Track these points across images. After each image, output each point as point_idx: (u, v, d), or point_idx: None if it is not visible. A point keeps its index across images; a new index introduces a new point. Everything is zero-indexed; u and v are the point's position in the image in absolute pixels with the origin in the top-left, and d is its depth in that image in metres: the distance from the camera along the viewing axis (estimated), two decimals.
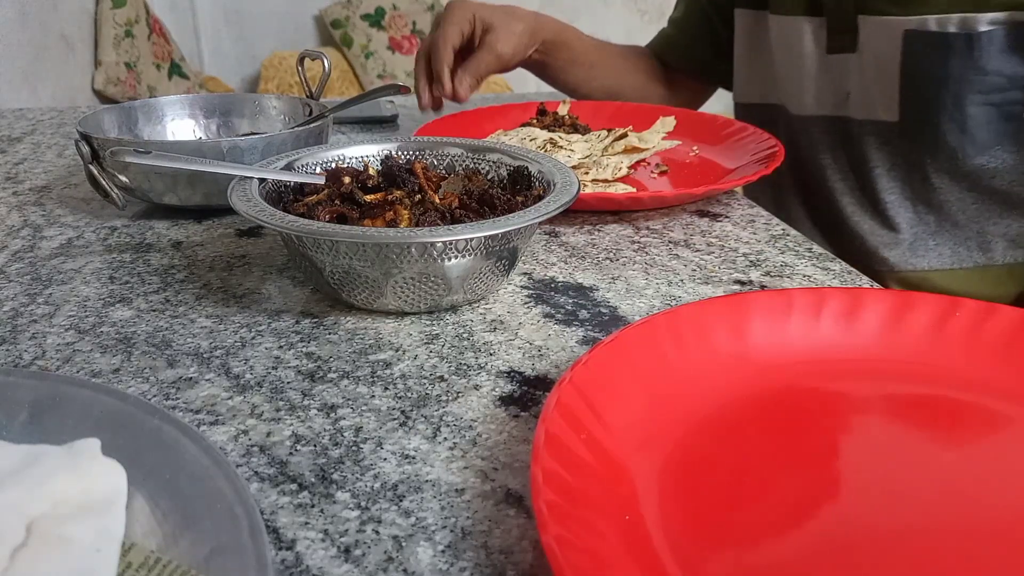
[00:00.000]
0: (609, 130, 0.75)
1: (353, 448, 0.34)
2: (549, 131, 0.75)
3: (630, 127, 0.76)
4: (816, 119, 0.86)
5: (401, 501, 0.31)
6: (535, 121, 0.80)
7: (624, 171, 0.69)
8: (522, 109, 0.86)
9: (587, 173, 0.68)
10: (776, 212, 0.70)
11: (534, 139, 0.72)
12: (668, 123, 0.81)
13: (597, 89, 0.97)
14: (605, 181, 0.67)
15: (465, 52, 0.85)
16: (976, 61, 0.73)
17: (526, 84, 1.01)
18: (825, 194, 0.88)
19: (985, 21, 0.71)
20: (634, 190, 0.65)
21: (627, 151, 0.73)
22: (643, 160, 0.74)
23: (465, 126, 0.81)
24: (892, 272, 0.83)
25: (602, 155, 0.71)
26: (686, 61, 1.03)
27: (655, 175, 0.72)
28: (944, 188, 0.79)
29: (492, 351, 0.42)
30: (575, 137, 0.74)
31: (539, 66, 0.94)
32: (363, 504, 0.31)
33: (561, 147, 0.71)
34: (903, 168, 0.81)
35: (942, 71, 0.75)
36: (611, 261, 0.54)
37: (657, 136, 0.76)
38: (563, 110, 0.84)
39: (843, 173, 0.86)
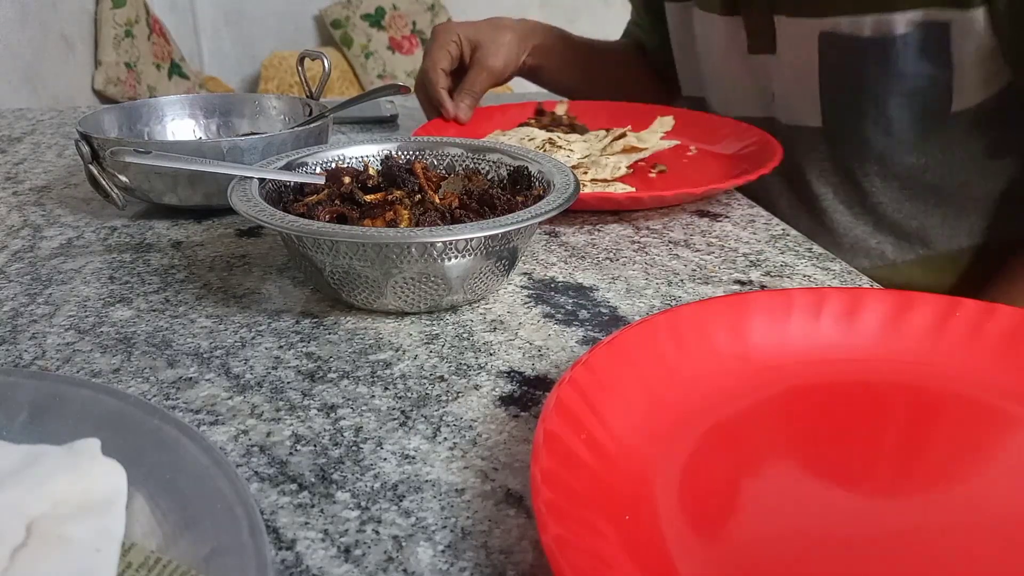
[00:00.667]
0: (608, 130, 0.75)
1: (353, 448, 0.34)
2: (547, 131, 0.75)
3: (628, 127, 0.76)
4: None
5: (401, 501, 0.31)
6: (533, 121, 0.80)
7: (623, 171, 0.69)
8: (520, 109, 0.86)
9: (586, 173, 0.68)
10: None
11: (532, 139, 0.72)
12: (666, 123, 0.81)
13: (594, 88, 0.97)
14: (604, 181, 0.67)
15: (459, 73, 0.85)
16: (894, 65, 0.70)
17: (526, 84, 1.01)
18: (763, 197, 0.86)
19: (900, 23, 0.68)
20: (633, 190, 0.65)
21: (626, 151, 0.73)
22: (642, 160, 0.74)
23: (463, 126, 0.81)
24: None
25: (601, 155, 0.71)
26: (655, 56, 1.03)
27: (654, 175, 0.72)
28: (877, 191, 0.78)
29: (492, 351, 0.42)
30: (574, 137, 0.74)
31: (533, 71, 0.94)
32: (363, 504, 0.31)
33: (560, 147, 0.71)
34: (833, 173, 0.80)
35: (860, 75, 0.73)
36: (611, 261, 0.54)
37: (655, 136, 0.76)
38: (561, 110, 0.84)
39: (776, 175, 0.84)
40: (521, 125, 0.79)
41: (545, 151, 0.70)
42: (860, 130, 0.75)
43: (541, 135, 0.73)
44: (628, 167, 0.70)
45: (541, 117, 0.81)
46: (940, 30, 0.68)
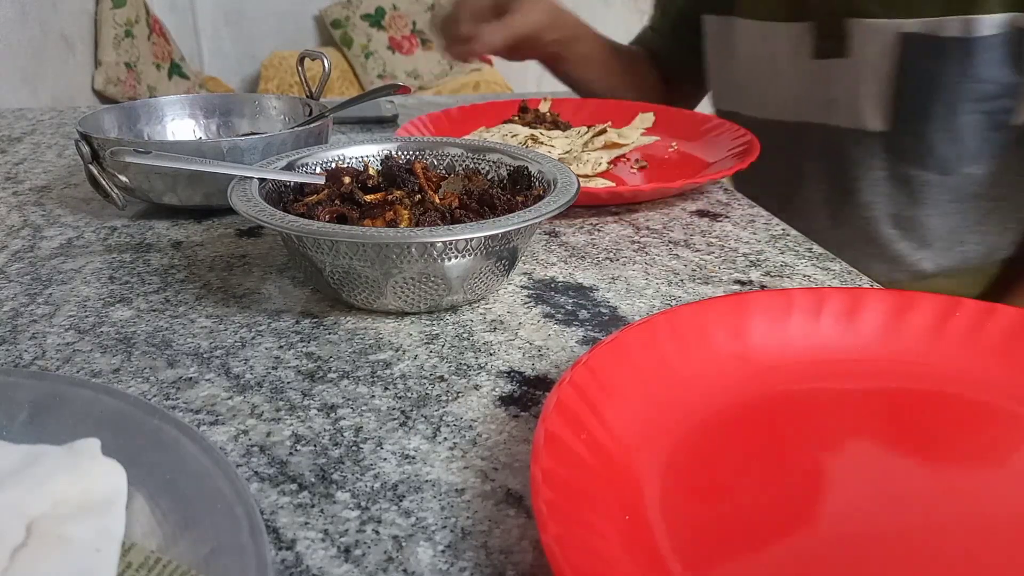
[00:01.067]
0: (589, 126, 0.76)
1: (353, 448, 0.34)
2: (531, 128, 0.76)
3: (609, 123, 0.77)
4: (794, 125, 0.84)
5: (401, 501, 0.31)
6: (517, 118, 0.80)
7: (603, 167, 0.70)
8: (504, 106, 0.87)
9: None
10: None
11: (515, 135, 0.73)
12: (647, 119, 0.81)
13: (608, 88, 0.98)
14: (585, 176, 0.68)
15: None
16: (971, 68, 0.71)
17: (526, 84, 1.01)
18: (799, 204, 0.86)
19: (984, 26, 0.69)
20: (613, 185, 0.65)
21: (607, 147, 0.74)
22: (623, 156, 0.75)
23: (447, 124, 0.81)
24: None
25: (583, 151, 0.72)
26: (668, 65, 1.03)
27: (635, 171, 0.73)
28: (929, 202, 0.78)
29: (492, 351, 0.42)
30: (556, 133, 0.74)
31: (555, 59, 0.94)
32: (363, 504, 0.31)
33: (542, 143, 0.72)
34: (888, 183, 0.80)
35: (936, 78, 0.73)
36: (611, 261, 0.54)
37: (636, 132, 0.77)
38: (544, 107, 0.84)
39: (820, 183, 0.84)
40: (505, 122, 0.79)
41: (527, 147, 0.71)
42: (926, 136, 0.76)
43: (524, 131, 0.74)
44: (609, 163, 0.71)
45: (524, 114, 0.81)
46: (1020, 36, 0.70)
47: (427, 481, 0.32)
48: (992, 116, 0.74)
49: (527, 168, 0.52)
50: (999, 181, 0.77)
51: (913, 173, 0.78)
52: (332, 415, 0.37)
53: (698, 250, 0.56)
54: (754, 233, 0.59)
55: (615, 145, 0.74)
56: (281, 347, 0.43)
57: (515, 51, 0.90)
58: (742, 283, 0.51)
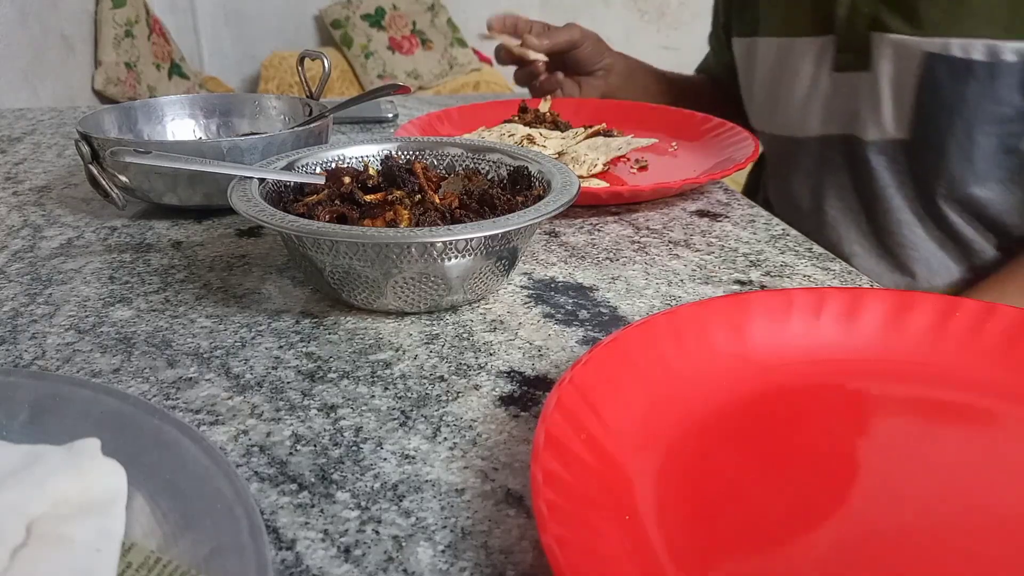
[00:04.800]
0: (586, 127, 0.76)
1: (353, 448, 0.34)
2: (530, 127, 0.76)
3: (603, 124, 0.77)
4: (819, 139, 0.86)
5: (401, 501, 0.31)
6: (517, 118, 0.80)
7: (599, 167, 0.70)
8: (504, 107, 0.87)
9: None
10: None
11: (513, 135, 0.73)
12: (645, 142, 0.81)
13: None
14: (580, 177, 0.68)
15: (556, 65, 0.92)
16: (995, 91, 0.72)
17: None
18: (822, 217, 0.87)
19: (1008, 51, 0.70)
20: (607, 185, 0.65)
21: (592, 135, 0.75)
22: (623, 156, 0.75)
23: (447, 124, 0.81)
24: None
25: (587, 149, 0.72)
26: (730, 88, 1.05)
27: (635, 170, 0.73)
28: (947, 212, 0.80)
29: (492, 351, 0.42)
30: (554, 134, 0.74)
31: (608, 93, 0.97)
32: (363, 504, 0.31)
33: (538, 143, 0.72)
34: (911, 186, 0.81)
35: (958, 98, 0.74)
36: (611, 261, 0.54)
37: (629, 137, 0.77)
38: (544, 107, 0.84)
39: (846, 193, 0.85)
40: (505, 122, 0.79)
41: (523, 146, 0.71)
42: (941, 151, 0.77)
43: (522, 131, 0.74)
44: (605, 164, 0.71)
45: (524, 114, 0.81)
46: None
47: (427, 481, 0.32)
48: (1003, 140, 0.74)
49: (527, 168, 0.52)
50: (1007, 206, 0.77)
51: (931, 182, 0.79)
52: (332, 415, 0.37)
53: (698, 250, 0.56)
54: (754, 233, 0.59)
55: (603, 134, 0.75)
56: (281, 347, 0.43)
57: (565, 67, 0.94)
58: (742, 283, 0.51)
